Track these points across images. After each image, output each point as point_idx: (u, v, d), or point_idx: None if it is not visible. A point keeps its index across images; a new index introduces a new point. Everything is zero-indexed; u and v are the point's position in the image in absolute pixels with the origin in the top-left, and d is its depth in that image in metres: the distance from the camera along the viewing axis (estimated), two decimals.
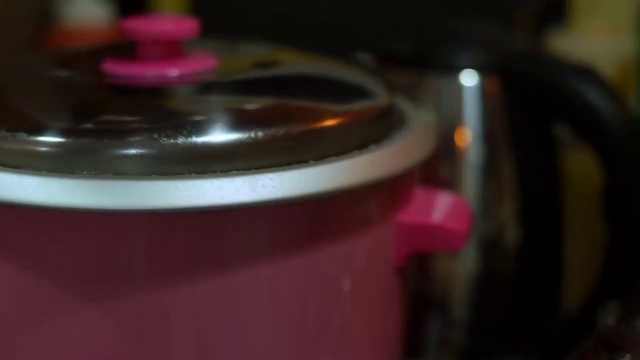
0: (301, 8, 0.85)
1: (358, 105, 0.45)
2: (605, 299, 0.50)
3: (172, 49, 0.46)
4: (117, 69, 0.46)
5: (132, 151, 0.40)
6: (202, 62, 0.47)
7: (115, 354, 0.41)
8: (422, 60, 0.61)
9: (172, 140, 0.40)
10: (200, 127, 0.40)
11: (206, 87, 0.46)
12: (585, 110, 0.56)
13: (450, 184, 0.59)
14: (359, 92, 0.46)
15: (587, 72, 0.57)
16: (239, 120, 0.41)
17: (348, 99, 0.45)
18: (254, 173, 0.40)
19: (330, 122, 0.43)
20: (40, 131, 0.40)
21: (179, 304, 0.41)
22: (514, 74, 0.59)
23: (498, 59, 0.60)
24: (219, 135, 0.40)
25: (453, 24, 0.64)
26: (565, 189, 0.62)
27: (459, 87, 0.59)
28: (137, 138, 0.40)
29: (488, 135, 0.59)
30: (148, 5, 0.92)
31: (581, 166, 0.64)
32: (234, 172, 0.40)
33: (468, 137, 0.59)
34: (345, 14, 0.84)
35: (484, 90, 0.59)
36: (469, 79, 0.59)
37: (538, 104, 0.59)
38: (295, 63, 0.50)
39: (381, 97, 0.46)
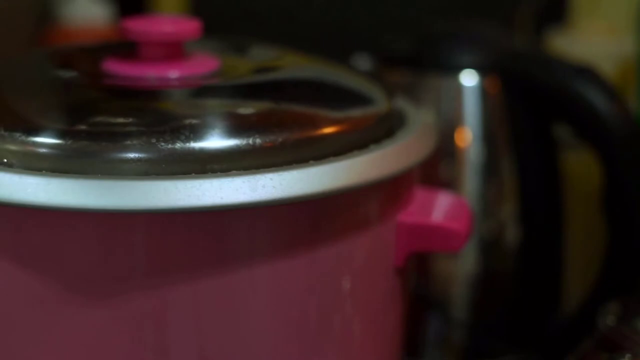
0: (301, 8, 0.85)
1: (358, 112, 0.45)
2: (605, 299, 0.50)
3: (174, 51, 0.46)
4: (118, 69, 0.46)
5: (130, 155, 0.40)
6: (204, 64, 0.47)
7: (114, 354, 0.41)
8: (422, 60, 0.61)
9: (170, 145, 0.40)
10: (198, 132, 0.40)
11: (206, 91, 0.45)
12: (585, 110, 0.56)
13: (450, 184, 0.59)
14: (359, 99, 0.46)
15: (586, 72, 0.57)
16: (237, 126, 0.41)
17: (348, 106, 0.45)
18: (253, 173, 0.40)
19: (329, 130, 0.43)
20: (40, 132, 0.40)
21: (179, 304, 0.41)
22: (514, 74, 0.59)
23: (498, 59, 0.60)
24: (217, 141, 0.40)
25: (453, 24, 0.64)
26: (565, 189, 0.62)
27: (459, 87, 0.59)
28: (135, 141, 0.40)
29: (488, 135, 0.59)
30: (148, 5, 0.92)
31: (581, 166, 0.64)
32: (234, 172, 0.40)
33: (468, 137, 0.59)
34: (345, 14, 0.84)
35: (484, 90, 0.59)
36: (469, 79, 0.59)
37: (538, 104, 0.59)
38: (297, 67, 0.49)
39: (381, 103, 0.46)
